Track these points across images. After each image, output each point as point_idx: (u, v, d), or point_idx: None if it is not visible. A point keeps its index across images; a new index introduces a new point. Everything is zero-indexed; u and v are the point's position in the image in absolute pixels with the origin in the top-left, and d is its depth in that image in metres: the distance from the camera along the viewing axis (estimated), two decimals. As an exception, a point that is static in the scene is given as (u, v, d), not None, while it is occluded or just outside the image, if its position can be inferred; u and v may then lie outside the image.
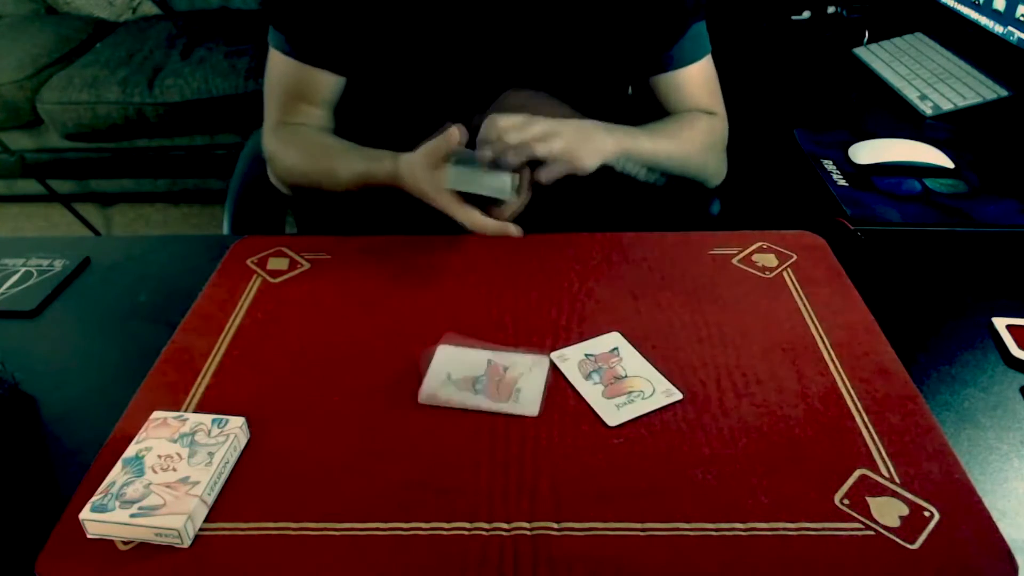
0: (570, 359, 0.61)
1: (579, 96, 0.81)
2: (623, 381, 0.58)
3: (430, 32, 0.79)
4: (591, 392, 0.58)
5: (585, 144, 0.72)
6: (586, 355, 0.61)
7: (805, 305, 0.67)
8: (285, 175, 0.87)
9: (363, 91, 0.86)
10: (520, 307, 0.67)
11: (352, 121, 0.88)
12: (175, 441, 0.52)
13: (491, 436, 0.54)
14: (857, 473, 0.51)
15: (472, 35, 0.80)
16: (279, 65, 0.84)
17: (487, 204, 0.70)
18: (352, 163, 0.80)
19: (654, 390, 0.58)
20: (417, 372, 0.59)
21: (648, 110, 0.89)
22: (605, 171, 0.74)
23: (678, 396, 0.57)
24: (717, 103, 0.90)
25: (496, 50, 0.80)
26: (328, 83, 0.85)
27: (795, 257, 0.73)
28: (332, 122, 0.88)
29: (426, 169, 0.70)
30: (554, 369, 0.60)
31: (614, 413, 0.56)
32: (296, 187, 0.88)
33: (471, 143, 0.70)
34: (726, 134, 0.91)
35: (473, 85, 0.81)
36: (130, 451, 0.51)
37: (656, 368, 0.60)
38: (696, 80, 0.87)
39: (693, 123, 0.87)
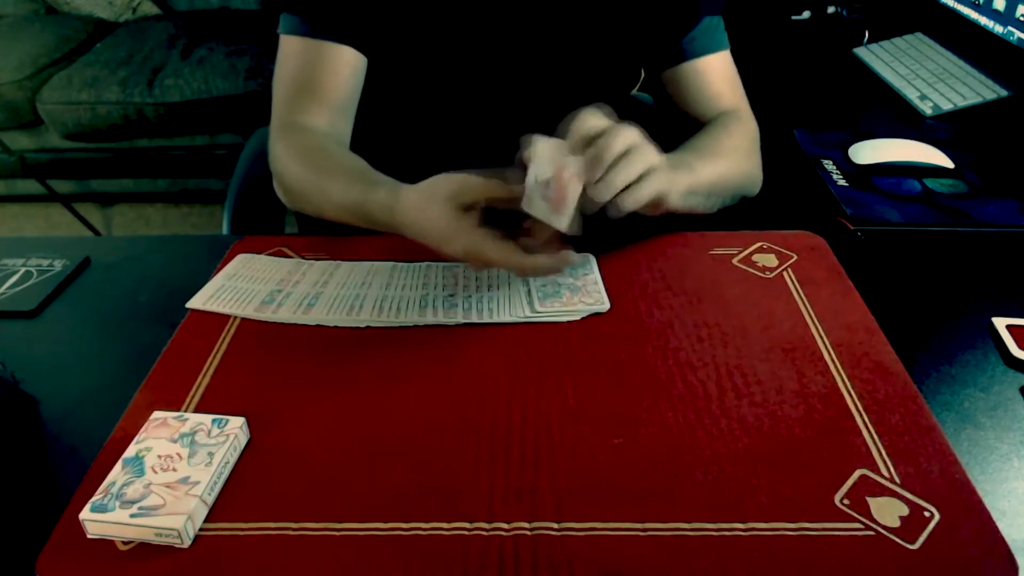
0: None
1: (590, 89, 0.80)
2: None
3: (449, 17, 0.79)
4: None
5: (674, 182, 0.63)
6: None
7: (805, 305, 0.67)
8: (288, 185, 0.78)
9: (376, 77, 0.82)
10: (520, 307, 0.67)
11: (363, 115, 0.84)
12: (175, 441, 0.52)
13: (491, 436, 0.54)
14: (857, 473, 0.51)
15: (490, 19, 0.79)
16: (292, 51, 0.79)
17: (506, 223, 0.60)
18: (349, 186, 0.69)
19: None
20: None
21: (665, 120, 0.87)
22: None
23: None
24: (742, 100, 0.86)
25: (514, 36, 0.80)
26: (345, 63, 0.78)
27: (795, 257, 0.73)
28: (345, 129, 0.81)
29: (447, 208, 0.59)
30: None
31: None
32: (296, 203, 0.79)
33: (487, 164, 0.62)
34: (758, 134, 0.85)
35: (489, 71, 0.81)
36: (130, 451, 0.52)
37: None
38: (716, 71, 0.84)
39: (730, 129, 0.81)
